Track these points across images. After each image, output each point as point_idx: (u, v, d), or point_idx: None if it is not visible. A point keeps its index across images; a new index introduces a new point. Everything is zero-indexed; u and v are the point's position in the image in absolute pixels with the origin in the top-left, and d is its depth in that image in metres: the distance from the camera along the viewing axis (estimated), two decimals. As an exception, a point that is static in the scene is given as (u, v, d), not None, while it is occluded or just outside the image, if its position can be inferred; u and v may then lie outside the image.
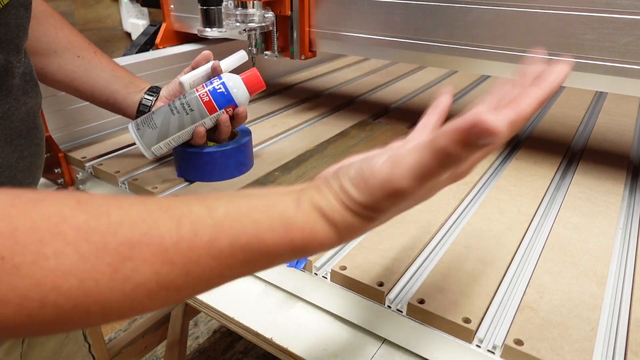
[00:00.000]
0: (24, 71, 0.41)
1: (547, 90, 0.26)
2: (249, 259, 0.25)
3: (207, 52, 0.61)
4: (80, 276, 0.22)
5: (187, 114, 0.58)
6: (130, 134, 0.59)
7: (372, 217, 0.27)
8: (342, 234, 0.27)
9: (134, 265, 0.23)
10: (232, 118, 0.60)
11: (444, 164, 0.24)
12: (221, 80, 0.59)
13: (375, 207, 0.26)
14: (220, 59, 0.62)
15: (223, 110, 0.59)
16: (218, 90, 0.58)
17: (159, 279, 0.23)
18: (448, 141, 0.23)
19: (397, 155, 0.25)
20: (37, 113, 0.45)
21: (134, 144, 0.74)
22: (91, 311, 0.23)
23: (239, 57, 0.63)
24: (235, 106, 0.59)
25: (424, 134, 0.31)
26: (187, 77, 0.60)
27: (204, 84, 0.59)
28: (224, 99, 0.58)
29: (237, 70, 0.62)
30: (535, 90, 0.26)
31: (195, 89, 0.59)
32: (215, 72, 0.61)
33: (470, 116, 0.22)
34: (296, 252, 0.26)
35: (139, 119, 0.59)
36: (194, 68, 0.62)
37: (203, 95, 0.58)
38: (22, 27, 0.40)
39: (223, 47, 0.98)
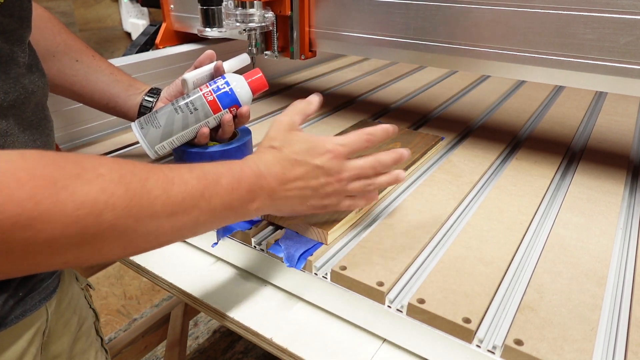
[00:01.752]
0: (29, 62, 0.42)
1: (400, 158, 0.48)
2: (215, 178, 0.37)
3: (210, 52, 0.61)
4: (126, 186, 0.30)
5: (191, 113, 0.58)
6: (133, 132, 0.59)
7: (273, 146, 0.44)
8: (258, 159, 0.42)
9: (154, 181, 0.32)
10: (235, 118, 0.60)
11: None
12: (225, 80, 0.59)
13: (273, 137, 0.44)
14: (221, 60, 0.62)
15: (227, 110, 0.59)
16: (222, 90, 0.58)
17: (166, 192, 0.33)
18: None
19: None
20: (46, 104, 0.46)
21: (134, 144, 0.74)
22: (132, 214, 0.30)
23: (242, 59, 0.63)
24: (239, 106, 0.59)
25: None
26: (191, 75, 0.60)
27: (207, 84, 0.59)
28: (228, 99, 0.59)
29: (237, 72, 0.62)
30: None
31: (199, 88, 0.59)
32: (218, 72, 0.61)
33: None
34: (241, 175, 0.39)
35: (142, 118, 0.59)
36: (196, 67, 0.62)
37: (207, 94, 0.58)
38: (25, 19, 0.41)
39: (223, 47, 0.98)
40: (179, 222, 0.34)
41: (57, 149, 0.69)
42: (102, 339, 0.58)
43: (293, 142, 0.44)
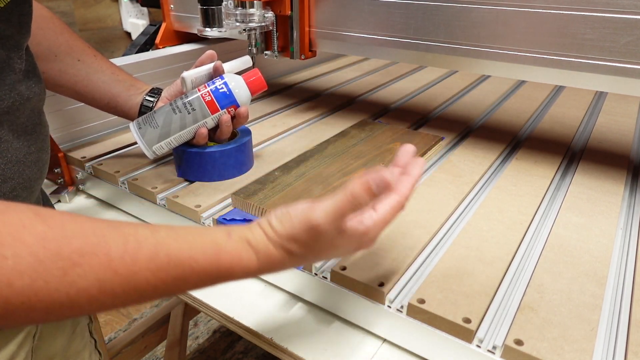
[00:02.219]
0: (26, 68, 0.42)
1: (417, 178, 0.37)
2: (181, 276, 0.29)
3: (211, 52, 0.61)
4: (33, 276, 0.24)
5: (189, 113, 0.58)
6: (131, 133, 0.59)
7: (290, 250, 0.32)
8: (262, 262, 0.32)
9: (82, 271, 0.26)
10: (233, 118, 0.60)
11: (352, 205, 0.31)
12: (223, 80, 0.59)
13: (293, 237, 0.32)
14: (221, 59, 0.62)
15: (225, 110, 0.59)
16: (220, 90, 0.58)
17: (101, 285, 0.26)
18: (357, 186, 0.30)
19: (317, 199, 0.32)
20: (42, 109, 0.46)
21: (134, 143, 0.74)
22: (35, 309, 0.25)
23: (243, 61, 0.63)
24: (237, 106, 0.59)
25: None
26: (190, 74, 0.60)
27: (205, 84, 0.59)
28: (226, 99, 0.58)
29: (237, 73, 0.62)
30: (411, 177, 0.36)
31: (197, 89, 0.59)
32: (217, 72, 0.61)
33: (373, 172, 0.30)
34: (222, 273, 0.31)
35: (140, 118, 0.59)
36: (197, 67, 0.62)
37: (205, 94, 0.58)
38: (25, 25, 0.40)
39: (223, 47, 0.98)
40: (108, 307, 0.28)
41: (57, 149, 0.69)
42: (96, 341, 0.57)
43: (314, 244, 0.33)
